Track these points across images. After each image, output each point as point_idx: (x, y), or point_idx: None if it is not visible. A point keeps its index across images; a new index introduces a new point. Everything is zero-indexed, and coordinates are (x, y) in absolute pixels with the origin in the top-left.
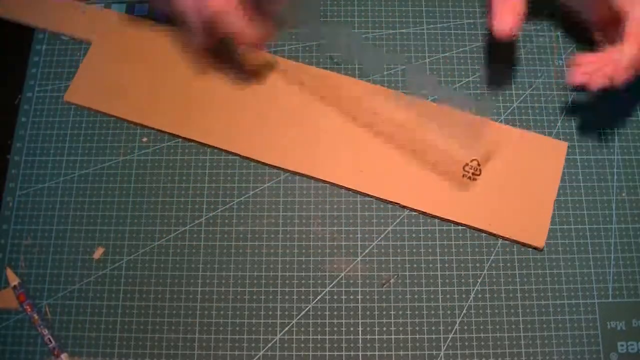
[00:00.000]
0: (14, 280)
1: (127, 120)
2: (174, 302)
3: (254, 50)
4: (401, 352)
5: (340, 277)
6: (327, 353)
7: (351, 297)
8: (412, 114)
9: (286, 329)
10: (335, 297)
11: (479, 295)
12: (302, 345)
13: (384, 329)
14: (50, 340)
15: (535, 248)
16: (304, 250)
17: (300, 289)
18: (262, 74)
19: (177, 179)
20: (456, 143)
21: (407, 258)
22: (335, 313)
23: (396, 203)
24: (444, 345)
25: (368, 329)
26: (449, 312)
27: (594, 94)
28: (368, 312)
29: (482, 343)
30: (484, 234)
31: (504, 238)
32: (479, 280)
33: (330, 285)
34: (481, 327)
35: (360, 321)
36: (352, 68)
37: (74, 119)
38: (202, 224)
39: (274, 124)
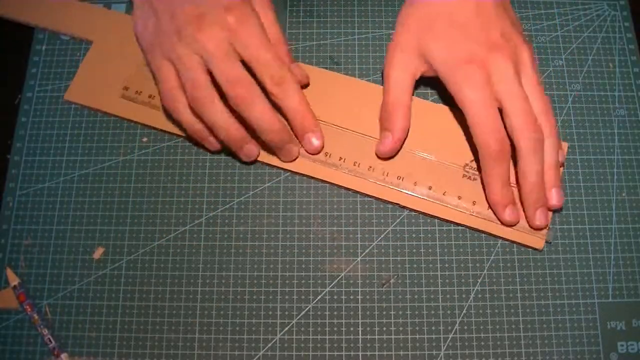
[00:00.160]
0: (14, 280)
1: (127, 120)
2: (174, 302)
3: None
4: (401, 352)
5: (340, 277)
6: (327, 353)
7: (351, 297)
8: (412, 113)
9: (286, 329)
10: (335, 297)
11: (479, 295)
12: (302, 345)
13: (384, 329)
14: (50, 340)
15: (534, 249)
16: (304, 250)
17: (300, 289)
18: None
19: (177, 179)
20: (456, 143)
21: (407, 258)
22: (335, 313)
23: (396, 203)
24: (444, 345)
25: (368, 329)
26: (449, 312)
27: (594, 94)
28: (368, 312)
29: (482, 343)
30: (484, 234)
31: (503, 239)
32: (479, 280)
33: (330, 285)
34: (481, 327)
35: (360, 321)
36: (352, 68)
37: (74, 119)
38: (202, 224)
39: None
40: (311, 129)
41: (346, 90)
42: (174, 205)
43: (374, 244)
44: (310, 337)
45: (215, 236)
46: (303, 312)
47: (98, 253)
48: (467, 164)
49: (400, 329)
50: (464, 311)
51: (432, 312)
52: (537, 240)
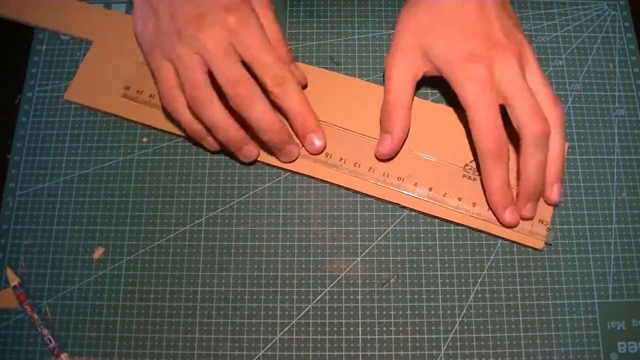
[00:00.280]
0: (14, 280)
1: (127, 120)
2: (174, 302)
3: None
4: (401, 352)
5: (340, 277)
6: (327, 353)
7: (351, 297)
8: (412, 114)
9: (286, 329)
10: (335, 297)
11: (479, 295)
12: (302, 345)
13: (384, 329)
14: (50, 340)
15: (534, 249)
16: (304, 250)
17: (300, 289)
18: None
19: (177, 179)
20: (456, 143)
21: (407, 258)
22: (335, 313)
23: (396, 203)
24: (444, 345)
25: (368, 329)
26: (449, 312)
27: (594, 94)
28: (368, 312)
29: (482, 343)
30: (484, 234)
31: (503, 239)
32: (479, 280)
33: (330, 285)
34: (481, 327)
35: (360, 321)
36: (352, 68)
37: (74, 119)
38: (202, 224)
39: None
40: (313, 129)
41: (346, 90)
42: (174, 205)
43: (374, 244)
44: (310, 337)
45: (215, 236)
46: (303, 312)
47: (98, 253)
48: (467, 164)
49: (400, 329)
50: (464, 311)
51: (432, 312)
52: (537, 242)
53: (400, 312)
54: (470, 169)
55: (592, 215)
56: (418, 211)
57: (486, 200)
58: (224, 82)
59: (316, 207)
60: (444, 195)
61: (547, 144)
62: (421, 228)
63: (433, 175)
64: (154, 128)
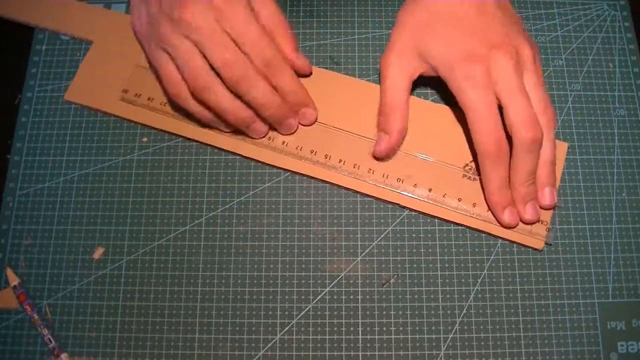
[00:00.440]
0: (14, 280)
1: (127, 120)
2: (174, 302)
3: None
4: (401, 352)
5: (340, 277)
6: (327, 353)
7: (351, 297)
8: (411, 114)
9: (286, 329)
10: (335, 297)
11: (479, 295)
12: (302, 345)
13: (384, 329)
14: (50, 340)
15: (534, 249)
16: (304, 250)
17: (300, 289)
18: None
19: (177, 179)
20: (456, 143)
21: (407, 258)
22: (335, 313)
23: (396, 203)
24: (444, 345)
25: (368, 329)
26: (449, 312)
27: (594, 94)
28: (368, 312)
29: (482, 343)
30: (484, 234)
31: (503, 239)
32: (479, 280)
33: (330, 285)
34: (481, 327)
35: (360, 321)
36: (352, 68)
37: (74, 119)
38: (202, 224)
39: None
40: (305, 104)
41: (346, 90)
42: (174, 205)
43: (374, 244)
44: (310, 337)
45: (215, 236)
46: (303, 312)
47: (98, 253)
48: (466, 164)
49: (400, 329)
50: (464, 311)
51: (432, 312)
52: (536, 242)
53: (400, 312)
54: (470, 169)
55: (592, 215)
56: (418, 211)
57: (485, 200)
58: (219, 67)
59: (316, 207)
60: (443, 196)
61: (539, 149)
62: (421, 228)
63: (433, 176)
64: (154, 128)
